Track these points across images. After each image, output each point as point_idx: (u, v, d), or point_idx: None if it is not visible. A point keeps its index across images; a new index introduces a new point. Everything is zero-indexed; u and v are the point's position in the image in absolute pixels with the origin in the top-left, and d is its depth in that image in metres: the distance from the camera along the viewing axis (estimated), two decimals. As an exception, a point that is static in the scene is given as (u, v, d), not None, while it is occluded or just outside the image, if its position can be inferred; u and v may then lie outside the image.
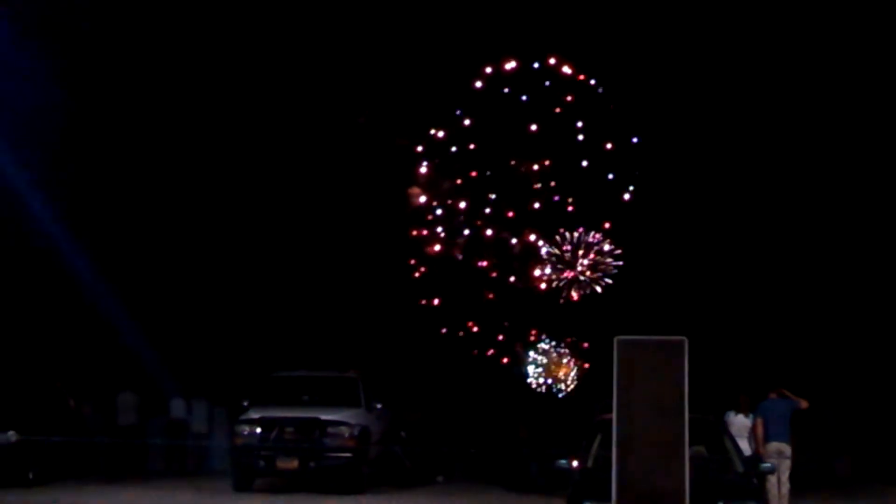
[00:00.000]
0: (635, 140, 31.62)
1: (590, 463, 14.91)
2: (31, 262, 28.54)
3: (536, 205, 31.26)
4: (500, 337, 30.78)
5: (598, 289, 30.23)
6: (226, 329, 30.03)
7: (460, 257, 31.26)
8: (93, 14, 27.47)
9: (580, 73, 30.38)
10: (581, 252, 31.62)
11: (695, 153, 32.02)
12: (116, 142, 30.03)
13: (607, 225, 30.72)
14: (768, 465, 16.36)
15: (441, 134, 30.70)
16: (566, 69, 30.27)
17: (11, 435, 21.11)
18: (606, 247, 30.81)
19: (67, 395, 24.75)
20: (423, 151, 30.75)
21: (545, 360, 30.98)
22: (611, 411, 12.12)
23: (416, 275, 30.43)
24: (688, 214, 31.70)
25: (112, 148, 29.99)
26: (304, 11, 29.92)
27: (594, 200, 31.65)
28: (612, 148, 31.29)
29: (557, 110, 30.66)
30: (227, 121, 30.28)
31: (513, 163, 31.15)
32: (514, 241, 31.04)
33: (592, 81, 30.35)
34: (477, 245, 31.36)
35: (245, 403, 22.63)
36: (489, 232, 30.72)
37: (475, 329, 30.74)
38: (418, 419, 26.60)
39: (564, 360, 30.84)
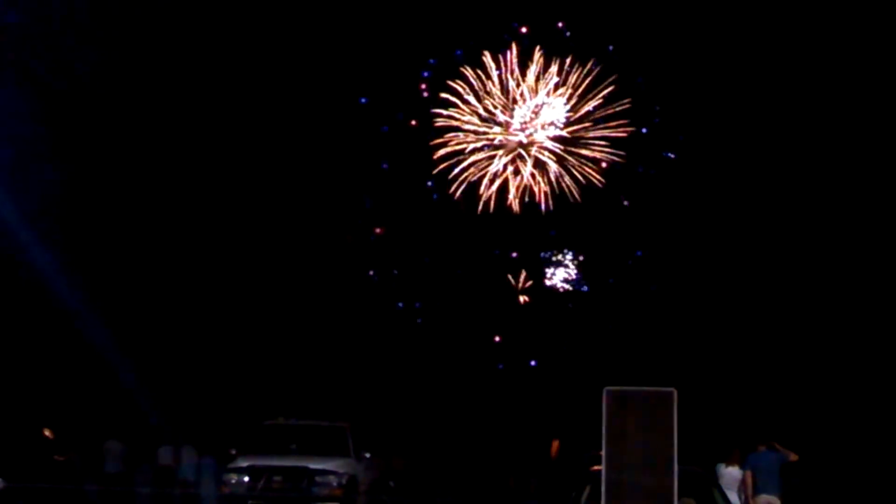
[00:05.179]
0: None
1: (578, 514, 14.87)
2: (20, 310, 28.51)
3: None
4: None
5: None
6: (215, 377, 29.96)
7: None
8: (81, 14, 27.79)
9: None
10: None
11: (685, 205, 32.25)
12: (109, 175, 30.22)
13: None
14: (757, 517, 16.32)
15: None
16: None
17: (-1, 482, 20.96)
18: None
19: (55, 444, 24.62)
20: None
21: None
22: (600, 462, 12.11)
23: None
24: (679, 264, 31.84)
25: (105, 183, 30.17)
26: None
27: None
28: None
29: None
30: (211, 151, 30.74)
31: None
32: None
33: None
34: None
35: (233, 452, 22.51)
36: None
37: None
38: (401, 467, 26.50)
39: None
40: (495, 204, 34.37)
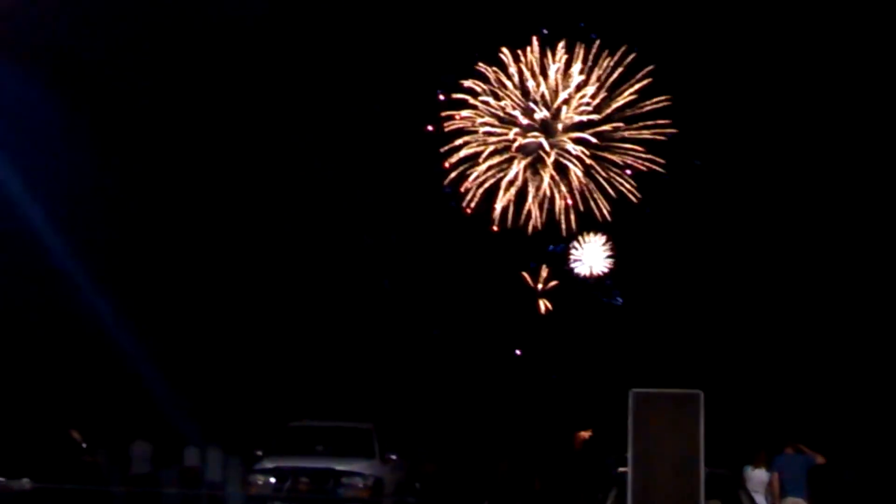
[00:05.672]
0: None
1: (605, 517, 14.86)
2: (46, 311, 28.69)
3: None
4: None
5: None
6: (241, 378, 30.06)
7: None
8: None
9: None
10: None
11: (712, 205, 32.11)
12: (133, 183, 30.42)
13: None
14: (785, 520, 16.25)
15: None
16: None
17: (26, 482, 21.08)
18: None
19: (82, 444, 24.75)
20: None
21: None
22: (626, 465, 12.08)
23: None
24: (705, 266, 31.70)
25: (130, 190, 30.37)
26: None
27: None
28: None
29: None
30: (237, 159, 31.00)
31: None
32: None
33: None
34: None
35: (259, 453, 22.56)
36: None
37: None
38: (433, 471, 26.47)
39: None
40: (514, 210, 33.13)
